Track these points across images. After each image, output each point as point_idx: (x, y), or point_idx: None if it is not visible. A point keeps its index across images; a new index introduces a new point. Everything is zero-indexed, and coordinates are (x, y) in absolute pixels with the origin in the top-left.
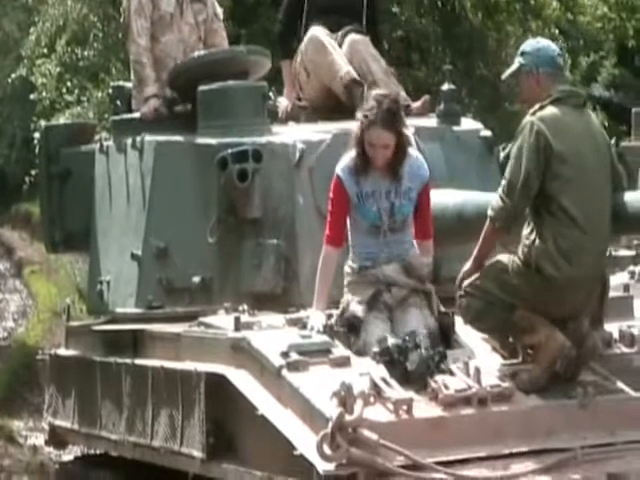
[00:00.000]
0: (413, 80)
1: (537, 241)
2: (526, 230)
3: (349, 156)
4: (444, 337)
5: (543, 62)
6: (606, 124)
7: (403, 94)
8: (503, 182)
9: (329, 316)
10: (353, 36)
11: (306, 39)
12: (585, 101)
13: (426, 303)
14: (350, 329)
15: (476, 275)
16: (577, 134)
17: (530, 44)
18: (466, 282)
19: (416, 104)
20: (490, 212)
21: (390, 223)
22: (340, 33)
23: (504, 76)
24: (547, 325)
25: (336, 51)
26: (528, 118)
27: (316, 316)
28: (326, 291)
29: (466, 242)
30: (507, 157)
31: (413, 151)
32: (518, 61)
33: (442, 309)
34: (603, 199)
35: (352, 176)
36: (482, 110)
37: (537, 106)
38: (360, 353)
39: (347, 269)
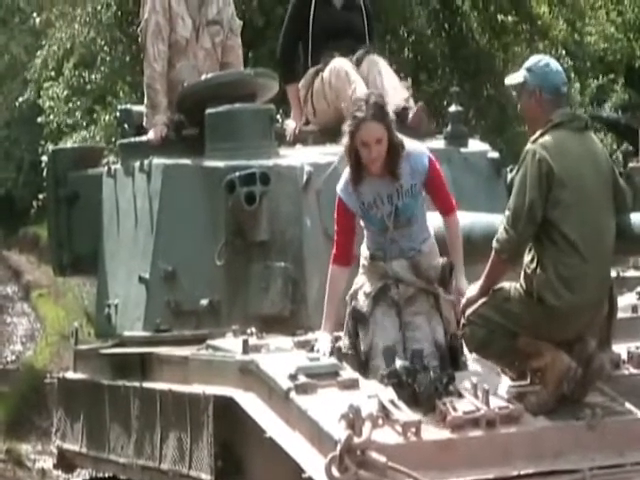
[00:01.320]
0: (420, 100)
1: (538, 270)
2: (527, 257)
3: (346, 172)
4: (452, 359)
5: (547, 87)
6: (615, 146)
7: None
8: (507, 213)
9: (337, 338)
10: (372, 57)
11: (329, 70)
12: (587, 124)
13: (435, 308)
14: (357, 322)
15: (479, 303)
16: (578, 158)
17: (539, 65)
18: (469, 310)
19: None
20: (495, 244)
21: (395, 223)
22: (355, 57)
23: (507, 82)
24: (552, 348)
25: (360, 85)
26: (530, 146)
27: (324, 338)
28: (334, 312)
29: (474, 263)
30: (511, 185)
31: (409, 144)
32: (523, 75)
33: (453, 318)
34: (604, 223)
35: (351, 191)
36: (490, 131)
37: (538, 133)
38: (367, 356)
39: (362, 250)
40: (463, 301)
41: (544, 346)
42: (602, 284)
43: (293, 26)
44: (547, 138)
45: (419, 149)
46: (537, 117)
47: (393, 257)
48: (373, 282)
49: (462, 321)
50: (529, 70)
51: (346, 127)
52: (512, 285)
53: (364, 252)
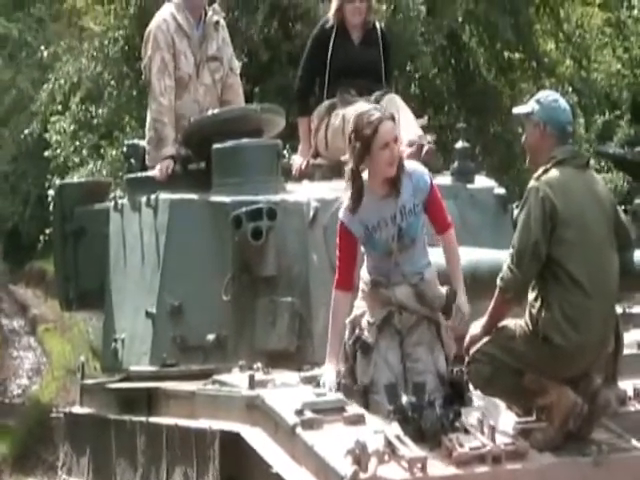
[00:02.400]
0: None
1: (543, 309)
2: (531, 295)
3: (346, 198)
4: (458, 394)
5: (553, 122)
6: (621, 182)
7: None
8: (511, 251)
9: (340, 373)
10: (391, 96)
11: (349, 136)
12: (588, 162)
13: (436, 336)
14: (361, 351)
15: (483, 341)
16: (581, 196)
17: (548, 99)
18: (473, 348)
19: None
20: (500, 283)
21: (399, 246)
22: (374, 97)
23: (515, 111)
24: (557, 385)
25: None
26: (533, 183)
27: (329, 371)
28: (338, 341)
29: (479, 299)
30: (517, 221)
31: (409, 164)
32: (532, 107)
33: (454, 346)
34: (608, 261)
35: (354, 216)
36: (496, 168)
37: (541, 170)
38: (367, 389)
39: (363, 275)
40: (467, 339)
41: (550, 383)
42: (608, 321)
43: (312, 61)
44: (550, 175)
45: (420, 168)
46: (539, 150)
47: (396, 283)
48: (376, 310)
49: (467, 359)
50: (538, 102)
51: (357, 145)
52: (517, 323)
53: (364, 277)
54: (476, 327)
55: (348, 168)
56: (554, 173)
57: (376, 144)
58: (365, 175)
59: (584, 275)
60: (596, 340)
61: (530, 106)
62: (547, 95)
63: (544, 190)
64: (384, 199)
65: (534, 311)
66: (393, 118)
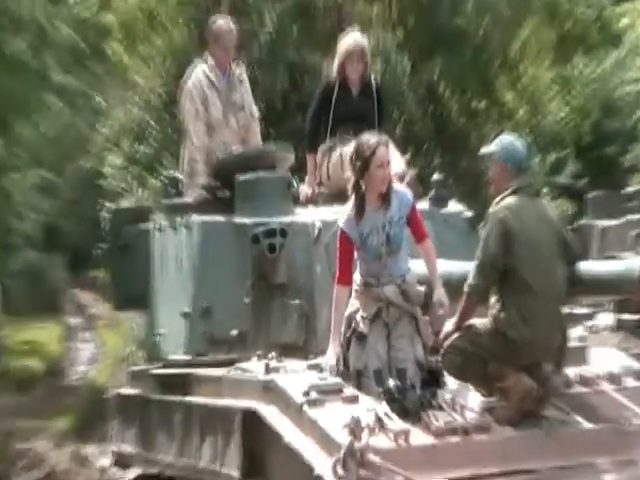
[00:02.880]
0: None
1: (502, 310)
2: (493, 299)
3: (347, 209)
4: (434, 379)
5: (512, 161)
6: (568, 208)
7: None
8: (475, 263)
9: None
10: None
11: (349, 149)
12: (538, 191)
13: (416, 329)
14: (358, 341)
15: (455, 336)
16: (532, 219)
17: (507, 142)
18: (447, 342)
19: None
20: (467, 288)
21: (388, 250)
22: None
23: (481, 151)
24: (515, 372)
25: None
26: (494, 208)
27: (331, 352)
28: (340, 324)
29: (453, 300)
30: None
31: (397, 186)
32: (494, 148)
33: (431, 337)
34: (555, 271)
35: (353, 224)
36: (465, 195)
37: (499, 197)
38: (359, 372)
39: (356, 278)
40: (441, 334)
41: (509, 370)
42: (554, 320)
43: (319, 110)
44: (507, 202)
45: (404, 189)
46: (500, 182)
47: (384, 283)
48: (368, 306)
49: (441, 350)
50: (499, 144)
51: (358, 163)
52: (482, 321)
53: (358, 280)
54: (449, 324)
55: (351, 182)
56: (510, 200)
57: (373, 164)
58: (363, 192)
59: (535, 283)
60: (544, 335)
61: (493, 147)
62: (506, 138)
63: (502, 214)
64: (377, 211)
65: (495, 312)
66: (387, 144)
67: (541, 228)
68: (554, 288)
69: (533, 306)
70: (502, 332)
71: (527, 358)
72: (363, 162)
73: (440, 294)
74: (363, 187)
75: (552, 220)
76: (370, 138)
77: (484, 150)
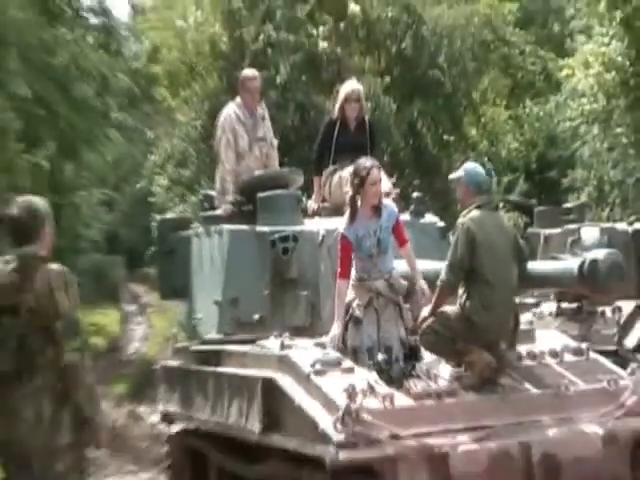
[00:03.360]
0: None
1: (468, 300)
2: (460, 291)
3: (345, 218)
4: (414, 354)
5: (474, 183)
6: (520, 220)
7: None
8: (447, 262)
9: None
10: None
11: (347, 173)
12: (497, 206)
13: (399, 314)
14: (354, 323)
15: (429, 320)
16: (492, 228)
17: (471, 167)
18: (424, 325)
19: None
20: (439, 282)
21: (378, 250)
22: None
23: (450, 177)
24: (478, 349)
25: None
26: (461, 219)
27: (335, 328)
28: (342, 309)
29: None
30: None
31: (386, 201)
32: (460, 173)
33: (410, 321)
34: (510, 270)
35: (350, 228)
36: (439, 209)
37: (466, 211)
38: (356, 349)
39: (352, 275)
40: (420, 318)
41: (473, 348)
42: (509, 309)
43: (323, 142)
44: (472, 214)
45: (392, 203)
46: (466, 200)
47: (375, 278)
48: (362, 296)
49: (419, 331)
50: (464, 170)
51: (356, 181)
52: (451, 309)
53: (353, 275)
54: (425, 311)
55: (348, 196)
56: (474, 213)
57: (368, 182)
58: (359, 203)
59: (493, 279)
60: (500, 320)
61: (459, 173)
62: (470, 165)
63: (467, 224)
64: (370, 219)
65: (462, 301)
66: (379, 167)
67: (499, 235)
68: (509, 283)
69: (491, 297)
70: (467, 317)
71: (487, 338)
72: (360, 180)
73: (422, 284)
74: (359, 201)
75: (507, 229)
76: (366, 161)
77: (452, 175)
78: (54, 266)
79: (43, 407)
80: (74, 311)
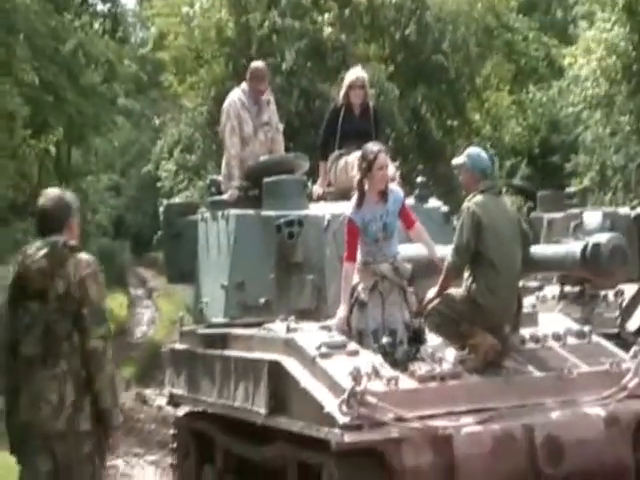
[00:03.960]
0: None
1: (473, 282)
2: (466, 274)
3: (352, 202)
4: (418, 337)
5: (478, 169)
6: (521, 203)
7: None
8: (453, 247)
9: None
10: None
11: (352, 157)
12: (500, 191)
13: (404, 298)
14: (360, 306)
15: (436, 302)
16: (496, 212)
17: (475, 153)
18: (429, 307)
19: None
20: (447, 264)
21: (384, 235)
22: None
23: (453, 162)
24: (482, 332)
25: None
26: (466, 203)
27: (341, 311)
28: (348, 292)
29: (432, 274)
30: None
31: (392, 186)
32: (464, 158)
33: (415, 304)
34: (514, 253)
35: (357, 212)
36: (443, 194)
37: (471, 195)
38: (361, 332)
39: (358, 259)
40: (425, 300)
41: (477, 330)
42: (513, 292)
43: (329, 127)
44: (476, 199)
45: (397, 188)
46: (470, 185)
47: (380, 261)
48: (367, 280)
49: (425, 313)
50: (468, 156)
51: (363, 165)
52: (457, 291)
53: (359, 260)
54: (431, 293)
55: (355, 180)
56: (479, 198)
57: (375, 166)
58: (366, 187)
59: (498, 262)
60: (505, 303)
61: (462, 159)
62: (474, 151)
63: (472, 208)
64: (377, 204)
65: (468, 283)
66: (386, 152)
67: (503, 220)
68: (513, 266)
69: (496, 280)
70: (473, 299)
71: (492, 321)
72: (367, 164)
73: (438, 258)
74: (366, 185)
75: (512, 213)
76: (373, 146)
77: (456, 161)
78: (84, 255)
79: (67, 392)
80: (101, 300)
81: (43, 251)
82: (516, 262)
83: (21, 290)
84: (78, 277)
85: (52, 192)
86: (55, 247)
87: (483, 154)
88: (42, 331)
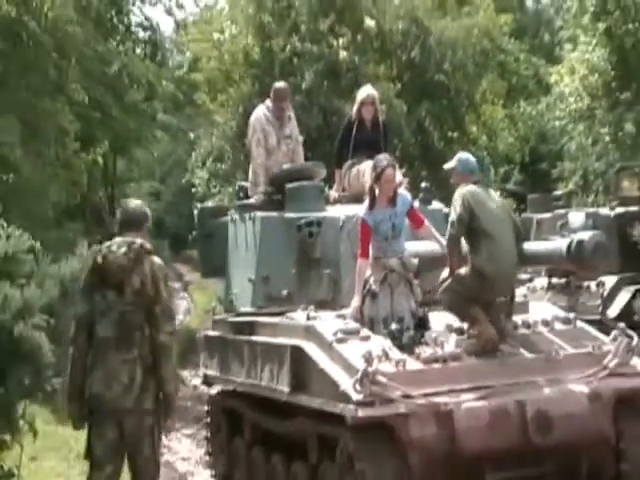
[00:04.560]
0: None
1: (474, 255)
2: (469, 250)
3: (365, 205)
4: (423, 323)
5: (466, 170)
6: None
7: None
8: (449, 222)
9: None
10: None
11: (364, 166)
12: (487, 184)
13: (410, 290)
14: (371, 297)
15: (448, 281)
16: (485, 196)
17: (464, 157)
18: (444, 285)
19: None
20: (446, 241)
21: (392, 234)
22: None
23: (445, 166)
24: (485, 321)
25: None
26: (459, 191)
27: (354, 303)
28: (361, 285)
29: (434, 269)
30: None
31: (401, 190)
32: (455, 163)
33: (420, 294)
34: (507, 226)
35: (370, 214)
36: (444, 198)
37: (461, 187)
38: (373, 319)
39: (370, 255)
40: (440, 279)
41: (483, 318)
42: (511, 258)
43: (343, 139)
44: (467, 187)
45: (405, 192)
46: (461, 185)
47: (389, 256)
48: (378, 273)
49: (439, 291)
50: (458, 160)
51: (373, 174)
52: (464, 268)
53: (371, 255)
54: (444, 273)
55: (367, 186)
56: (470, 186)
57: (382, 179)
58: (377, 192)
59: (493, 231)
60: (506, 268)
61: (453, 163)
62: (463, 156)
63: (463, 192)
64: (386, 207)
65: (470, 256)
66: (394, 166)
67: (492, 203)
68: (508, 236)
69: (495, 248)
70: (477, 270)
71: (497, 288)
72: (376, 175)
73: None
74: (376, 190)
75: (501, 202)
76: (383, 160)
77: (447, 165)
78: (157, 258)
79: (136, 374)
80: (170, 300)
81: (123, 249)
82: (510, 233)
83: (100, 279)
84: (152, 277)
85: (134, 201)
86: (134, 247)
87: (471, 158)
88: (117, 318)
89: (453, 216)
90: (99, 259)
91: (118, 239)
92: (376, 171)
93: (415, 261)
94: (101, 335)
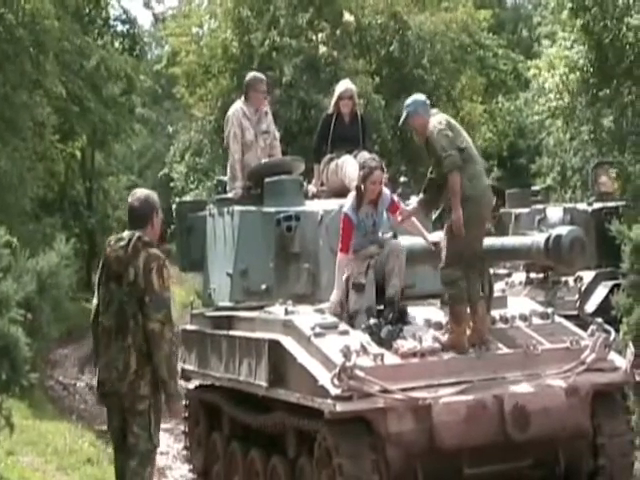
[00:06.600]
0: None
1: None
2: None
3: (349, 200)
4: (402, 318)
5: (419, 107)
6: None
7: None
8: (440, 152)
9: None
10: (362, 152)
11: (342, 160)
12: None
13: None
14: (357, 289)
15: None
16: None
17: (411, 101)
18: (443, 253)
19: None
20: (447, 167)
21: (372, 230)
22: (354, 153)
23: (400, 123)
24: (465, 328)
25: (351, 168)
26: (434, 121)
27: (334, 296)
28: (341, 280)
29: (418, 263)
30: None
31: (382, 189)
32: (405, 113)
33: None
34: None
35: (354, 210)
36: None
37: (433, 117)
38: (357, 312)
39: (352, 248)
40: (454, 218)
41: (464, 321)
42: (487, 184)
43: (322, 133)
44: (438, 116)
45: (386, 190)
46: (424, 129)
47: (368, 247)
48: (361, 265)
49: (441, 264)
50: (407, 106)
51: (360, 173)
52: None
53: (351, 250)
54: (454, 215)
55: (354, 185)
56: (439, 115)
57: (369, 180)
58: (363, 190)
59: (472, 152)
60: (483, 187)
61: (405, 113)
62: (409, 100)
63: (440, 118)
64: (369, 205)
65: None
66: (383, 169)
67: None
68: (480, 160)
69: (474, 168)
70: (465, 195)
71: (478, 213)
72: (364, 175)
73: (434, 235)
74: (363, 189)
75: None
76: (372, 161)
77: (401, 120)
78: (154, 251)
79: (131, 361)
80: (164, 290)
81: (122, 242)
82: (479, 157)
83: (105, 272)
84: (145, 269)
85: (140, 192)
86: (132, 241)
87: (419, 96)
88: (117, 308)
89: (444, 143)
90: (105, 253)
91: (125, 233)
92: (364, 171)
93: (397, 240)
94: (105, 324)
